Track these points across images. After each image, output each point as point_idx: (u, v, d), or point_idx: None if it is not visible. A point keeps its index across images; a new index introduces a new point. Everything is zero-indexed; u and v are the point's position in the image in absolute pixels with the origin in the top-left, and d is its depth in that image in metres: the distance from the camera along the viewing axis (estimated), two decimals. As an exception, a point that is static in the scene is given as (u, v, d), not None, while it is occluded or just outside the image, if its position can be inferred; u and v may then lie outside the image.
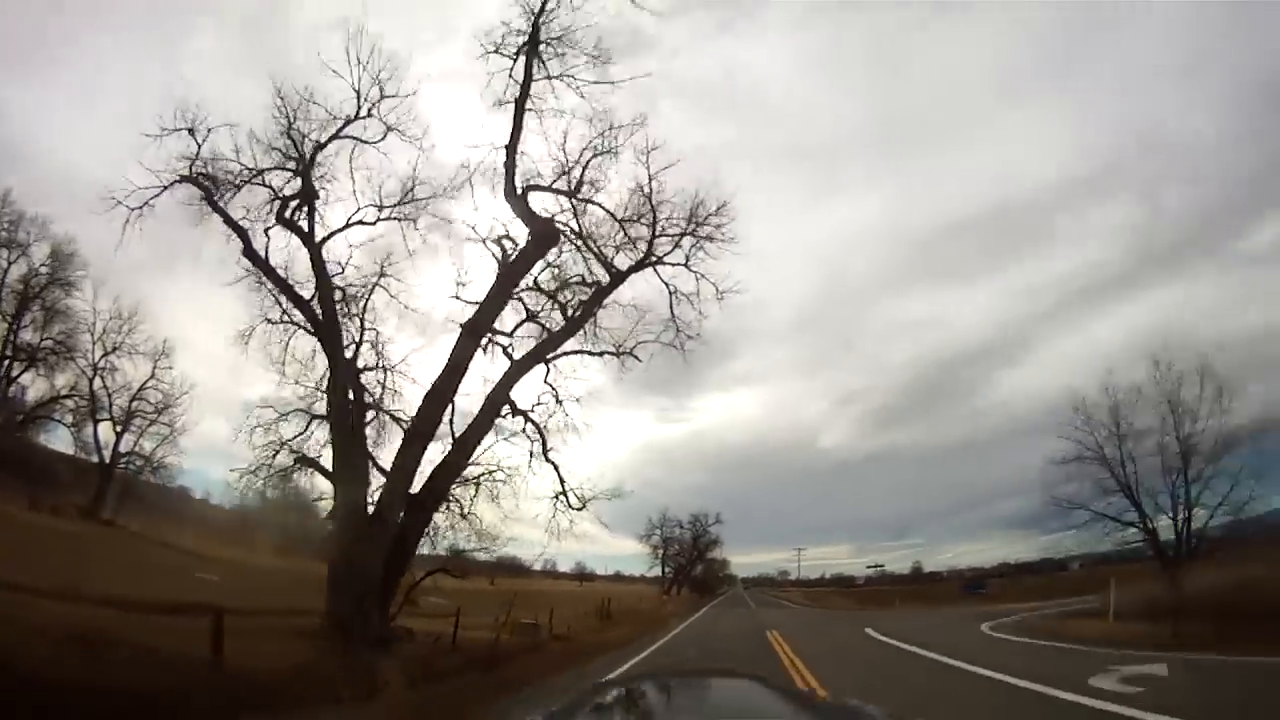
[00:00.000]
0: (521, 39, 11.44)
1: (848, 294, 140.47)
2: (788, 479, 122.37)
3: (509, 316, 12.61)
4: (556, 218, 12.14)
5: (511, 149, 11.62)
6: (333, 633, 9.83)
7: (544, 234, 11.73)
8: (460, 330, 11.37)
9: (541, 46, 11.47)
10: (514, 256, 11.80)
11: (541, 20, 11.33)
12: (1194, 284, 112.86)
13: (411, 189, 12.13)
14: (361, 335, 12.52)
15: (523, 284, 12.34)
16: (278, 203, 11.76)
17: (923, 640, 14.12)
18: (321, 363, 11.98)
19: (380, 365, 12.94)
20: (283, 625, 10.30)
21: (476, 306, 11.61)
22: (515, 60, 11.54)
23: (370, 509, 10.98)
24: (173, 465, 25.81)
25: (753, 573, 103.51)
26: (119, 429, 24.94)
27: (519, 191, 11.74)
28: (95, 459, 24.33)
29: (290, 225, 11.82)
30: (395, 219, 12.23)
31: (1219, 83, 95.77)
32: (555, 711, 1.90)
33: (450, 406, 11.60)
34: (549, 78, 11.65)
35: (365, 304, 12.61)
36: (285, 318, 12.19)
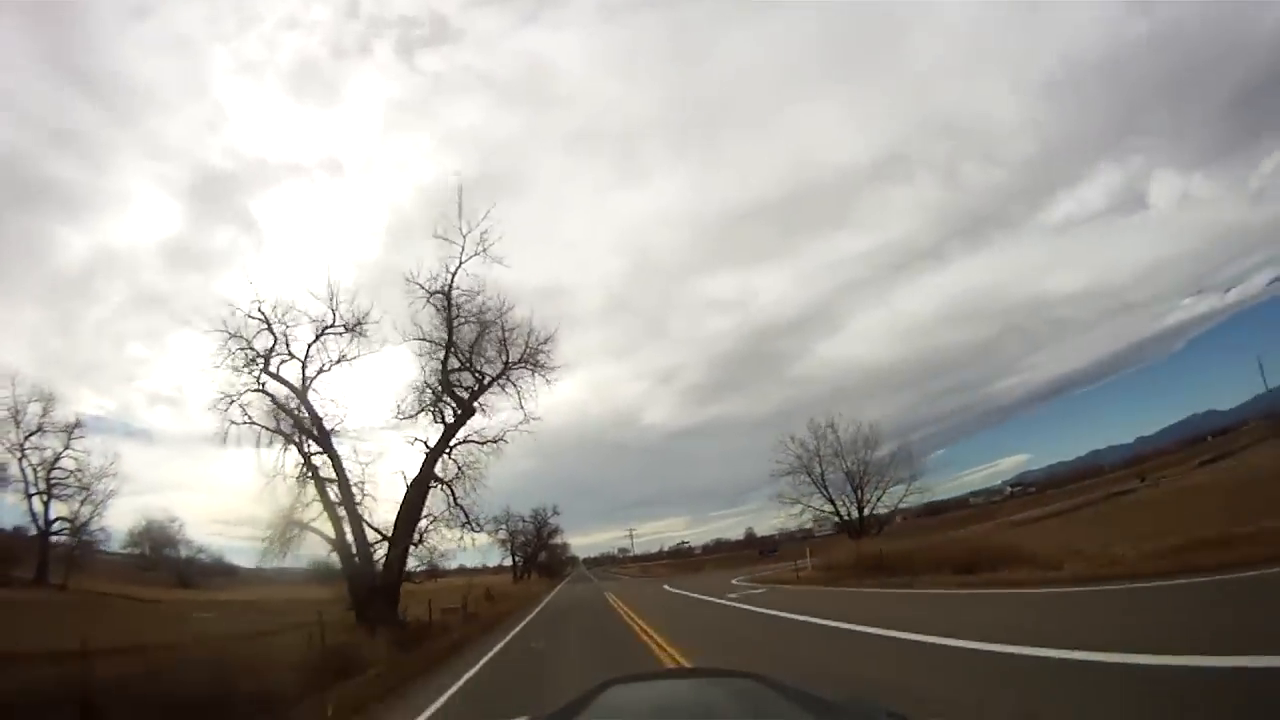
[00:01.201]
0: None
1: (657, 276, 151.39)
2: (617, 458, 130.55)
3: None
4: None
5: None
6: (358, 625, 17.97)
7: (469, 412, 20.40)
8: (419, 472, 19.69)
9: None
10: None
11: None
12: (996, 254, 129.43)
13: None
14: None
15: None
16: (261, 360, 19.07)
17: (687, 588, 25.13)
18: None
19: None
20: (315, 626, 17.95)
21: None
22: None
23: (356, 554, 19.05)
24: (103, 529, 30.78)
25: (594, 553, 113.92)
26: (45, 500, 28.86)
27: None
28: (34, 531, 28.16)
29: (277, 377, 19.23)
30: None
31: (1003, 77, 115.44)
32: (555, 712, 1.89)
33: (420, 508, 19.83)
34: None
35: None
36: (295, 443, 19.49)
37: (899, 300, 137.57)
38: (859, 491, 34.95)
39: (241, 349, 18.64)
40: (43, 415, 28.67)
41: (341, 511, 19.12)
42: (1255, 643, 4.86)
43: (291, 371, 19.46)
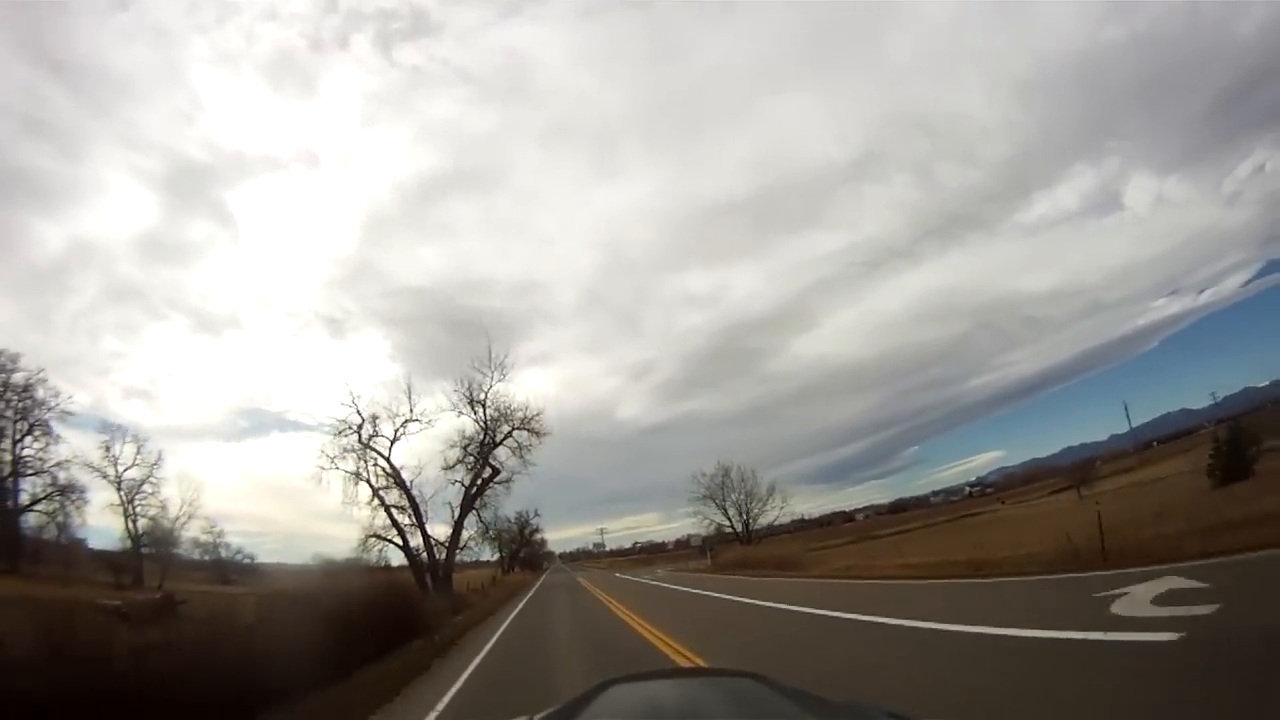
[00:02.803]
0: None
1: (631, 272, 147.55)
2: (590, 453, 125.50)
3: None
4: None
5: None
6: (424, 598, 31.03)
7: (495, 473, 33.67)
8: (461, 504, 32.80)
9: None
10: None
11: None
12: (970, 254, 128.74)
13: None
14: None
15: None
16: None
17: (630, 575, 38.89)
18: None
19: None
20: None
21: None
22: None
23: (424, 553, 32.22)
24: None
25: (570, 547, 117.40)
26: (134, 518, 40.43)
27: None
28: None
29: (369, 446, 32.16)
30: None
31: (980, 78, 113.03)
32: (554, 712, 1.91)
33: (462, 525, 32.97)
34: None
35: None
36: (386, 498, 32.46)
37: (873, 299, 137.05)
38: (744, 512, 49.38)
39: (342, 432, 31.17)
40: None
41: (406, 521, 32.12)
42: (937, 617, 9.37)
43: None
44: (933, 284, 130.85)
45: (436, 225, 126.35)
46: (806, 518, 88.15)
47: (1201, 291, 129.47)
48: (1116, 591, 7.22)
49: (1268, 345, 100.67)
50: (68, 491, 37.23)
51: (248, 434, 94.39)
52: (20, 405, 35.70)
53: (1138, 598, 6.73)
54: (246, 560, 47.17)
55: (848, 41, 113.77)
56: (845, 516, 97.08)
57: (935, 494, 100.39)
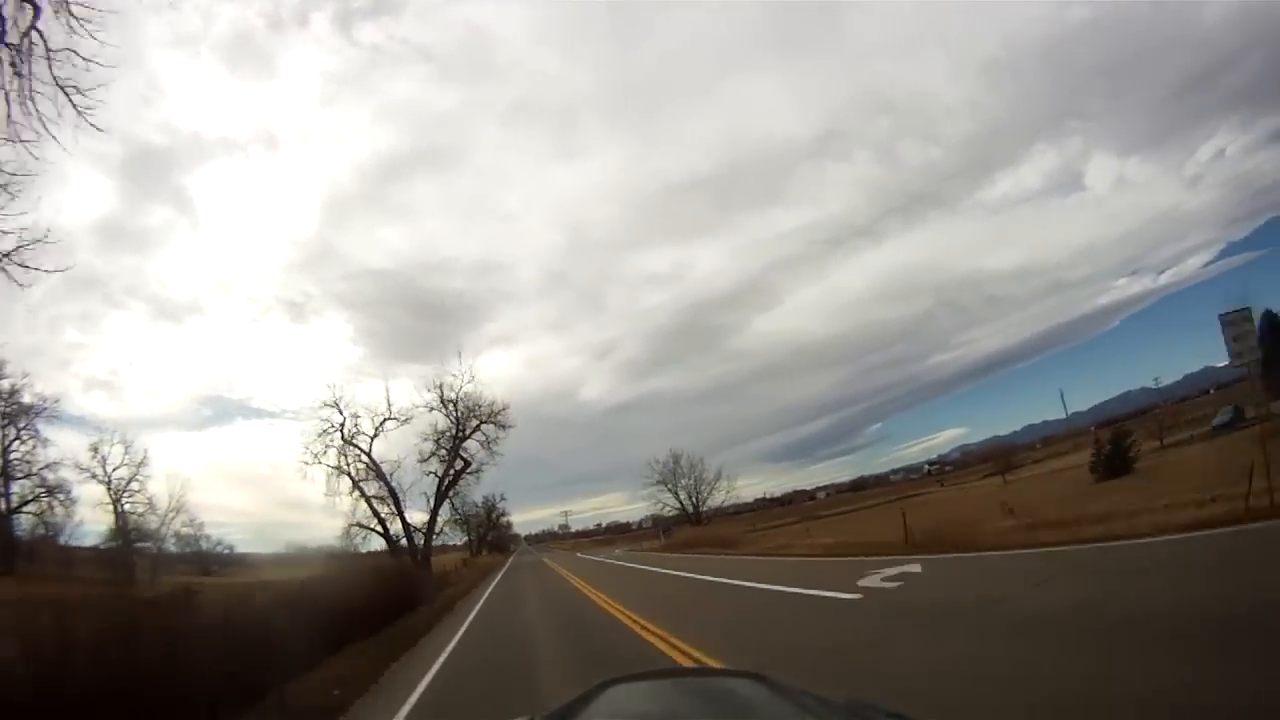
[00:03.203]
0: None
1: (594, 251, 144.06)
2: (555, 434, 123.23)
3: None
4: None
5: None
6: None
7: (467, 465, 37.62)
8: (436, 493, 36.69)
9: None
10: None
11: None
12: (933, 232, 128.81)
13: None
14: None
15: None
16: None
17: (589, 554, 43.52)
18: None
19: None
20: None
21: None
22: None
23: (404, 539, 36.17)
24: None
25: (536, 529, 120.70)
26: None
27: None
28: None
29: (351, 443, 35.78)
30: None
31: (943, 57, 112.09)
32: (553, 712, 1.92)
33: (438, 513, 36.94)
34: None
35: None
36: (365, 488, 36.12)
37: (836, 276, 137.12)
38: (693, 495, 54.73)
39: (326, 431, 34.60)
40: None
41: (386, 510, 35.80)
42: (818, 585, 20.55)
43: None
44: (895, 262, 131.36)
45: (397, 206, 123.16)
46: (770, 496, 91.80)
47: (1162, 272, 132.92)
48: (874, 571, 11.45)
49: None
50: (55, 491, 39.33)
51: (210, 422, 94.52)
52: (6, 411, 37.71)
53: (877, 575, 11.00)
54: (226, 551, 48.74)
55: (812, 19, 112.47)
56: (807, 495, 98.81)
57: (895, 472, 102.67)
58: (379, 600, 14.94)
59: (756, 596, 11.63)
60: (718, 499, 56.37)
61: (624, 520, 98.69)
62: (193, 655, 6.85)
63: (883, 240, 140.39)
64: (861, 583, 10.32)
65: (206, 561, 47.57)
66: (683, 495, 56.30)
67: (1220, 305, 13.00)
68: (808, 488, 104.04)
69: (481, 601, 18.99)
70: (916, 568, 11.12)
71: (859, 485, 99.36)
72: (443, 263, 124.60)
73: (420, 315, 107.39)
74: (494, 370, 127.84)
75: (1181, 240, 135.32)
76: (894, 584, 9.87)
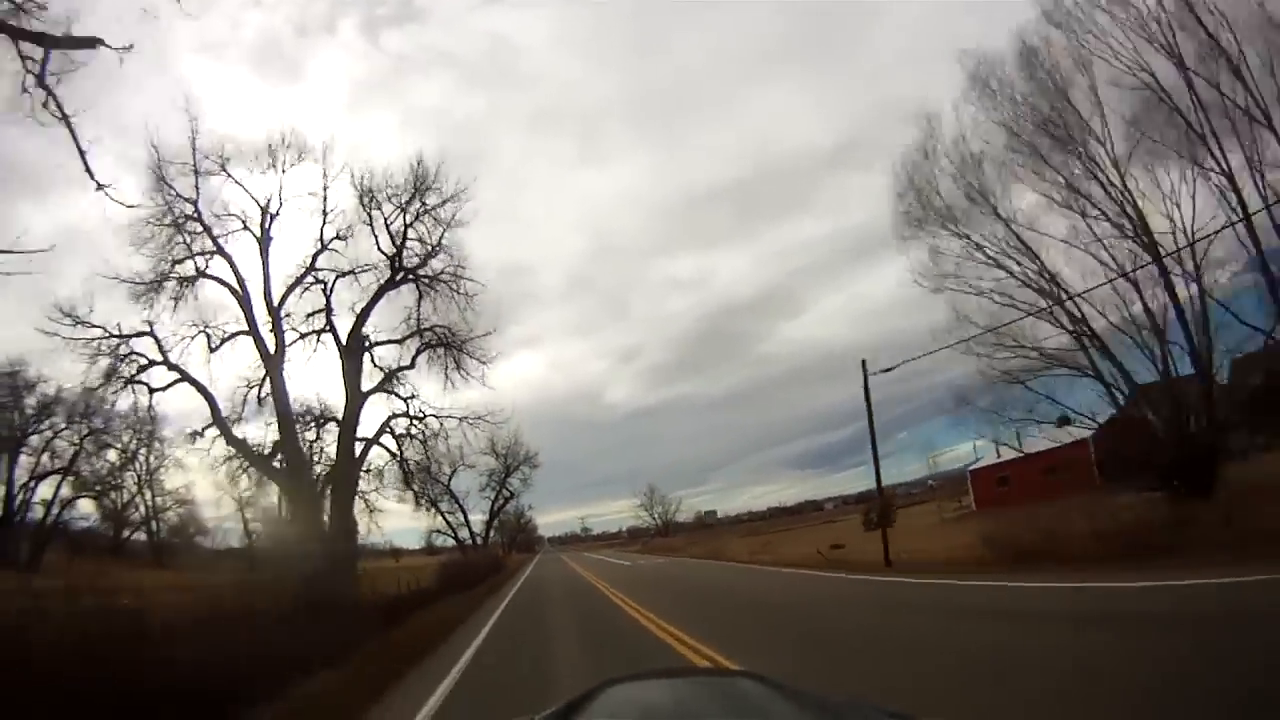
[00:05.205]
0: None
1: (618, 256, 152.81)
2: (579, 437, 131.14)
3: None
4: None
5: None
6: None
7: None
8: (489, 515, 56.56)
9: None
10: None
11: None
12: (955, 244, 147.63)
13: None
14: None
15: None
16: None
17: (598, 555, 63.09)
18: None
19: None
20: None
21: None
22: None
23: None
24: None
25: (558, 531, 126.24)
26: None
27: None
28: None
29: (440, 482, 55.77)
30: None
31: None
32: (553, 712, 1.95)
33: (488, 531, 56.81)
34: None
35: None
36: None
37: (862, 284, 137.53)
38: (662, 516, 75.00)
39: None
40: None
41: (457, 520, 55.68)
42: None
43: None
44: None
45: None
46: (782, 505, 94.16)
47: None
48: (659, 558, 30.80)
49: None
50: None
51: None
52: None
53: (655, 559, 30.36)
54: (387, 545, 50.79)
55: (835, 29, 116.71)
56: (815, 505, 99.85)
57: (899, 486, 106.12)
58: (486, 567, 34.62)
59: (630, 565, 30.99)
60: (681, 517, 77.32)
61: (642, 525, 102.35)
62: (475, 568, 26.66)
63: (908, 249, 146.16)
64: (640, 562, 29.89)
65: (399, 553, 53.35)
66: (657, 513, 78.41)
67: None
68: (818, 498, 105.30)
69: (526, 574, 38.50)
70: (660, 559, 30.56)
71: (864, 498, 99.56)
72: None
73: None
74: (519, 373, 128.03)
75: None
76: (649, 562, 29.31)
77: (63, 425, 30.97)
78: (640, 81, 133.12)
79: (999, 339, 15.21)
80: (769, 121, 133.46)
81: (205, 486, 44.09)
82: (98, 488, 34.93)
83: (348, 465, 19.11)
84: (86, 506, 35.68)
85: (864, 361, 18.15)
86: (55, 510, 32.68)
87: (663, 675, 3.12)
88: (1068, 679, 4.93)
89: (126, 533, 39.32)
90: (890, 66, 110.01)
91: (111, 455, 33.79)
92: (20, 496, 31.08)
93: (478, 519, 56.18)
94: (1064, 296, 14.52)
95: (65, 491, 32.94)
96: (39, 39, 8.55)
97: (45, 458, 31.53)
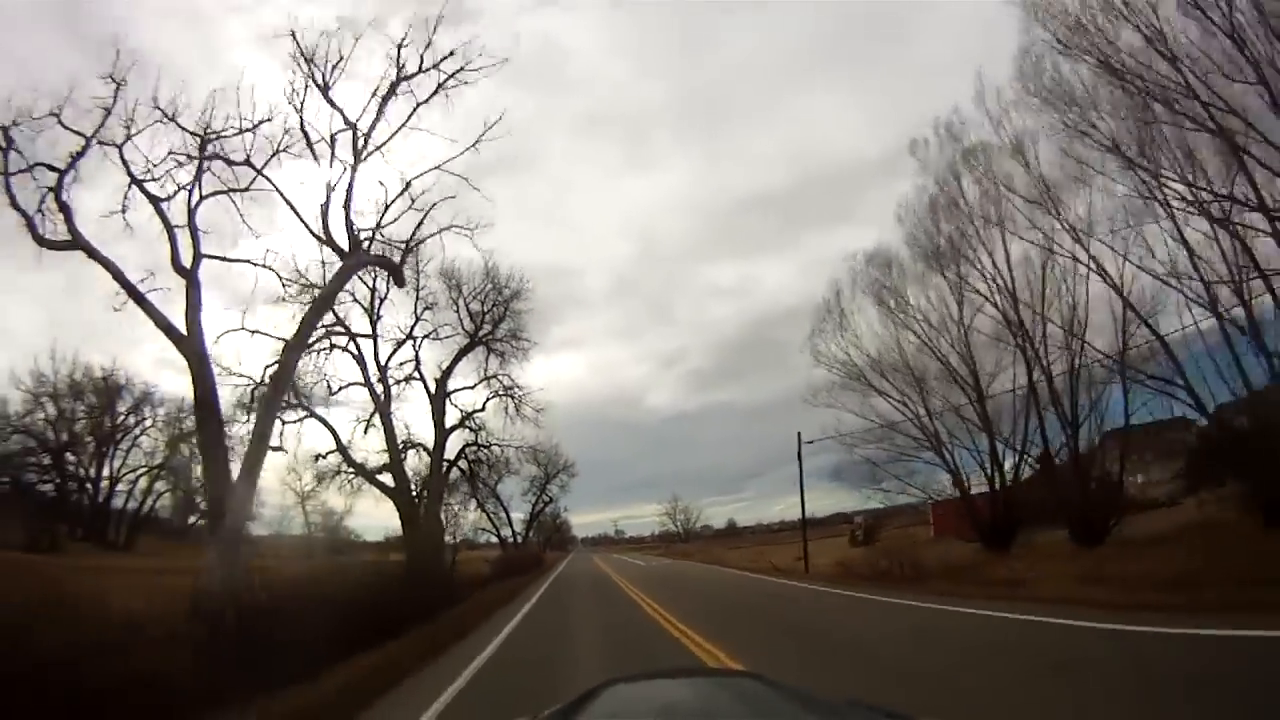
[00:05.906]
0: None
1: (662, 262, 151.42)
2: (617, 439, 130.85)
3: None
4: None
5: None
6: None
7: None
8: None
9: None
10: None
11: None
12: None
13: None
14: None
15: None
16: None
17: (625, 558, 70.96)
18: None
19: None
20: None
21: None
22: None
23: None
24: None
25: (592, 533, 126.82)
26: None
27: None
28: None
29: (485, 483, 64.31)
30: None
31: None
32: (554, 712, 1.95)
33: (528, 532, 65.36)
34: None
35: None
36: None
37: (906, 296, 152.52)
38: (685, 524, 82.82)
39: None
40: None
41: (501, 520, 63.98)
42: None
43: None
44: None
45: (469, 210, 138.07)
46: (814, 517, 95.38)
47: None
48: (667, 560, 38.19)
49: None
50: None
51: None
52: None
53: (662, 561, 37.76)
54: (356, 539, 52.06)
55: (880, 36, 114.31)
56: (845, 518, 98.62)
57: (909, 505, 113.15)
58: (530, 561, 42.68)
59: (643, 565, 38.74)
60: (696, 526, 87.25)
61: (671, 531, 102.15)
62: (523, 561, 34.90)
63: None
64: (652, 563, 37.75)
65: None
66: (679, 521, 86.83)
67: None
68: (845, 511, 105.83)
69: (563, 566, 46.57)
70: (670, 561, 38.14)
71: (881, 515, 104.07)
72: (514, 267, 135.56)
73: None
74: (560, 373, 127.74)
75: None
76: (659, 563, 36.93)
77: (151, 424, 38.30)
78: (686, 86, 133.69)
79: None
80: (814, 129, 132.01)
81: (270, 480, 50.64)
82: (178, 482, 40.18)
83: (436, 480, 27.13)
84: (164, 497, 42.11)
85: (799, 433, 26.90)
86: (150, 500, 39.53)
87: (663, 675, 3.17)
88: (796, 628, 12.45)
89: (191, 519, 43.78)
90: (937, 73, 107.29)
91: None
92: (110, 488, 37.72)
93: (518, 517, 64.22)
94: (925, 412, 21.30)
95: (145, 484, 39.07)
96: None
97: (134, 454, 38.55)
